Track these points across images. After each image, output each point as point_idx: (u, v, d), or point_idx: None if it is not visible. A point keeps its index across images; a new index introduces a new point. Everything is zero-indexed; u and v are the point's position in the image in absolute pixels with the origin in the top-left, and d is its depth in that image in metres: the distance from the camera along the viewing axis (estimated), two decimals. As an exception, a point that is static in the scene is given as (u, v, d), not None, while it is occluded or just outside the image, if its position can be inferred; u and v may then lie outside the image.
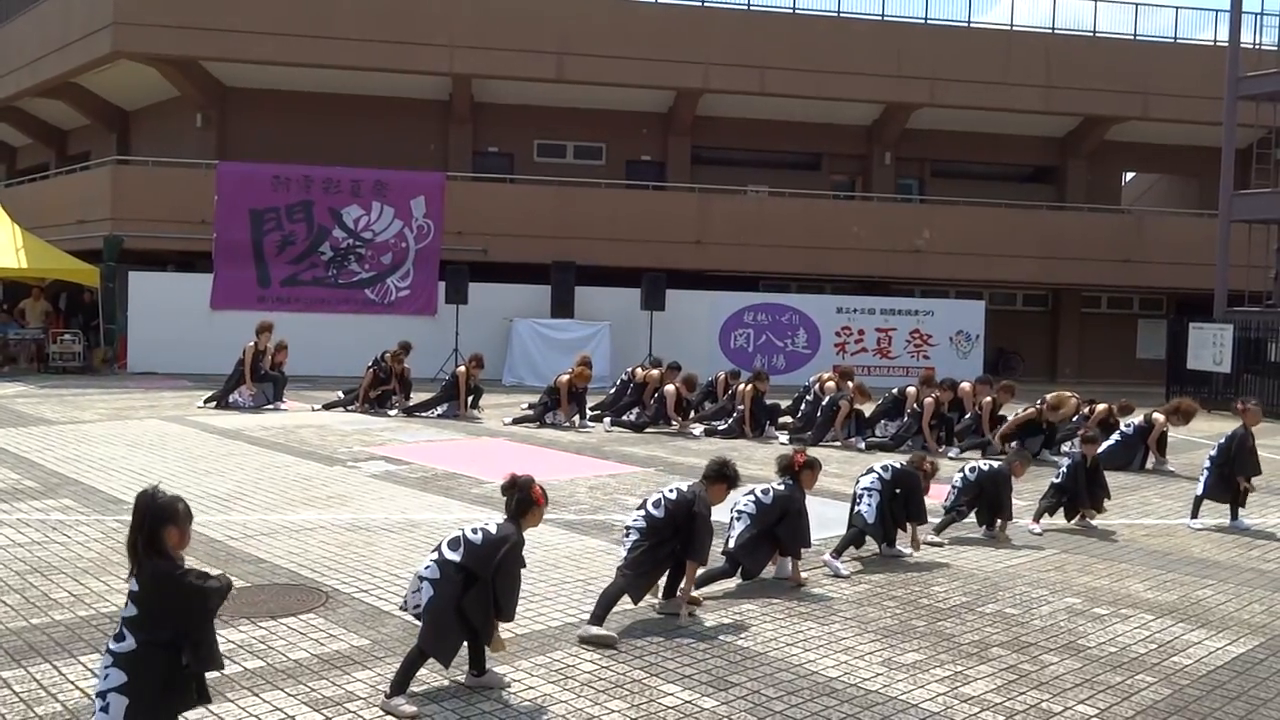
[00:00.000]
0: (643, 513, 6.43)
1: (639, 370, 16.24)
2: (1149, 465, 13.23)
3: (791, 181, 27.83)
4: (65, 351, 21.13)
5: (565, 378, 15.56)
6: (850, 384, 14.84)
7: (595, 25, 25.02)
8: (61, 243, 23.37)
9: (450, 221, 22.56)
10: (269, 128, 25.80)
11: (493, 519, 5.41)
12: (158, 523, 4.00)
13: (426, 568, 5.19)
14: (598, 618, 6.07)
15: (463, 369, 16.18)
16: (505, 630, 6.02)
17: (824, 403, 14.83)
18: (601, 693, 5.31)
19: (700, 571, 6.60)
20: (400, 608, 5.76)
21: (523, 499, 5.37)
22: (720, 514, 6.92)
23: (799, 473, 7.28)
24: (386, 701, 5.00)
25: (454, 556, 5.14)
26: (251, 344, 16.35)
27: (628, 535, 6.42)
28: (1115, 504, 10.80)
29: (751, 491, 7.20)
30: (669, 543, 6.37)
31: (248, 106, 26.37)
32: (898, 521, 8.17)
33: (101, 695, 4.00)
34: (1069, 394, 14.12)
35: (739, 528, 7.07)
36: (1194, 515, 9.95)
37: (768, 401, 15.33)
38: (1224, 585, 7.78)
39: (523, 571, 5.33)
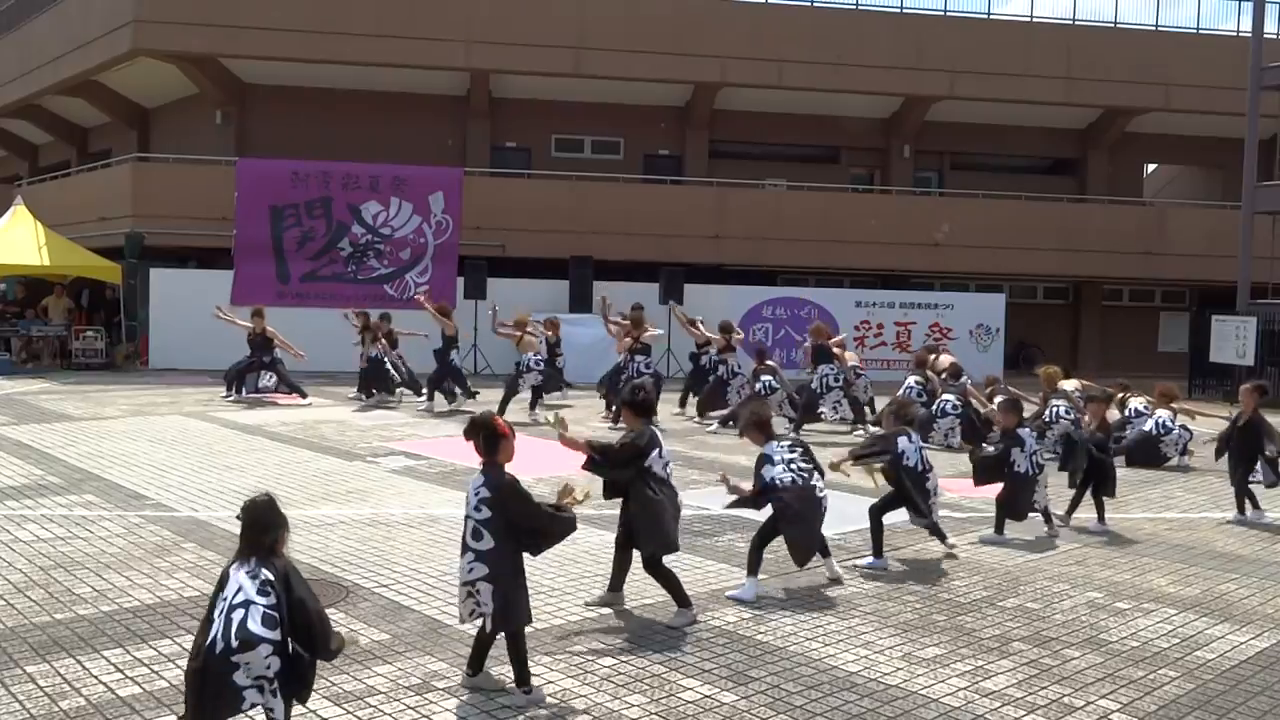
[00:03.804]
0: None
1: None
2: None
3: (809, 175, 27.74)
4: (87, 348, 21.28)
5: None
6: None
7: (612, 19, 24.99)
8: (83, 240, 23.55)
9: (468, 217, 22.56)
10: (288, 124, 25.87)
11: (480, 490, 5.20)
12: (280, 529, 4.32)
13: (470, 570, 5.08)
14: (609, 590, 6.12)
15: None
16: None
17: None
18: (621, 687, 5.31)
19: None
20: (459, 621, 5.52)
21: (488, 435, 5.20)
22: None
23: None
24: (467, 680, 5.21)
25: (487, 542, 5.05)
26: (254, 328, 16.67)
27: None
28: (1138, 497, 10.74)
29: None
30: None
31: (266, 103, 26.48)
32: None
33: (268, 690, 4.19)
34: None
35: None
36: (1239, 509, 9.80)
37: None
38: (1248, 579, 7.72)
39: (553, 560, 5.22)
